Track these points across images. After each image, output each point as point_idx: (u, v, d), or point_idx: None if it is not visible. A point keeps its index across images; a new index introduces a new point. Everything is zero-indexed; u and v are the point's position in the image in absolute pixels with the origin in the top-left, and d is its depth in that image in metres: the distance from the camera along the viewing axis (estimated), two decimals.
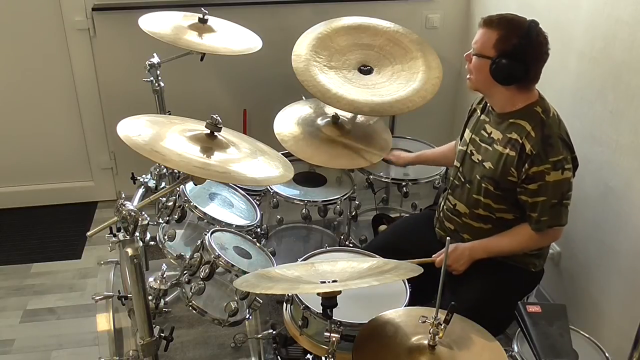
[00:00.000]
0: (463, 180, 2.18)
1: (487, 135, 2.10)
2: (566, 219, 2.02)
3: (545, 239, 2.09)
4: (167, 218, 2.24)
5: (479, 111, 2.19)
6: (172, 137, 1.77)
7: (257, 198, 2.56)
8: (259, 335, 2.36)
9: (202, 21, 2.71)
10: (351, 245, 2.67)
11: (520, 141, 1.97)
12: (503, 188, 2.04)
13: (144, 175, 2.73)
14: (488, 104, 2.13)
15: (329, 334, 1.63)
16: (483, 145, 2.11)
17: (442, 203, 2.30)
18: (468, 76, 2.07)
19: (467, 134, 2.21)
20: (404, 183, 2.65)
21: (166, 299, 2.19)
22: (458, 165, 2.21)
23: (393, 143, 2.76)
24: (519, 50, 1.93)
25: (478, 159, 2.12)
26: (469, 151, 2.16)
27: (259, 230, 2.38)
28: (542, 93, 2.05)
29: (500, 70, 1.96)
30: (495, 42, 1.95)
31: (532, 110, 2.00)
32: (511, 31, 1.94)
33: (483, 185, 2.08)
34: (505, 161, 2.00)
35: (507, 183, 2.02)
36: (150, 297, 1.98)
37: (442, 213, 2.29)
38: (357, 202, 2.69)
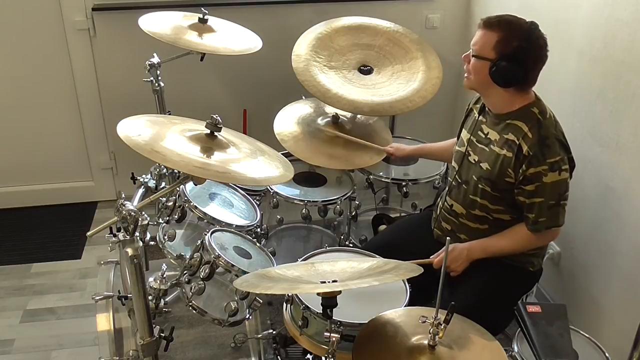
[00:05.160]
0: (460, 180, 2.18)
1: (483, 136, 2.10)
2: (563, 220, 2.01)
3: (543, 239, 2.09)
4: (167, 218, 2.24)
5: (476, 111, 2.18)
6: (172, 137, 1.77)
7: (257, 198, 2.56)
8: (259, 335, 2.36)
9: (202, 21, 2.71)
10: (351, 245, 2.67)
11: (517, 142, 1.96)
12: (500, 189, 2.04)
13: (144, 175, 2.73)
14: (485, 105, 2.13)
15: (329, 334, 1.63)
16: (480, 145, 2.10)
17: (440, 203, 2.30)
18: (466, 75, 2.07)
19: (465, 135, 2.20)
20: (404, 183, 2.65)
21: (166, 299, 2.19)
22: (456, 166, 2.21)
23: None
24: (519, 52, 1.92)
25: (474, 160, 2.11)
26: (466, 152, 2.16)
27: (259, 230, 2.38)
28: (538, 94, 2.05)
29: (500, 73, 1.95)
30: (495, 44, 1.94)
31: (529, 111, 1.99)
32: (511, 33, 1.93)
33: (480, 186, 2.08)
34: (502, 162, 2.00)
35: (504, 184, 2.02)
36: (150, 297, 1.98)
37: (439, 213, 2.29)
38: (357, 202, 2.69)
